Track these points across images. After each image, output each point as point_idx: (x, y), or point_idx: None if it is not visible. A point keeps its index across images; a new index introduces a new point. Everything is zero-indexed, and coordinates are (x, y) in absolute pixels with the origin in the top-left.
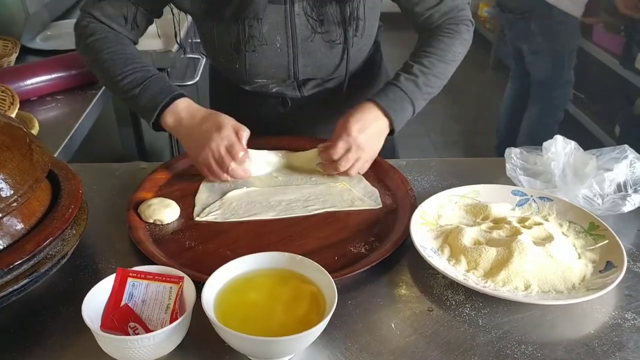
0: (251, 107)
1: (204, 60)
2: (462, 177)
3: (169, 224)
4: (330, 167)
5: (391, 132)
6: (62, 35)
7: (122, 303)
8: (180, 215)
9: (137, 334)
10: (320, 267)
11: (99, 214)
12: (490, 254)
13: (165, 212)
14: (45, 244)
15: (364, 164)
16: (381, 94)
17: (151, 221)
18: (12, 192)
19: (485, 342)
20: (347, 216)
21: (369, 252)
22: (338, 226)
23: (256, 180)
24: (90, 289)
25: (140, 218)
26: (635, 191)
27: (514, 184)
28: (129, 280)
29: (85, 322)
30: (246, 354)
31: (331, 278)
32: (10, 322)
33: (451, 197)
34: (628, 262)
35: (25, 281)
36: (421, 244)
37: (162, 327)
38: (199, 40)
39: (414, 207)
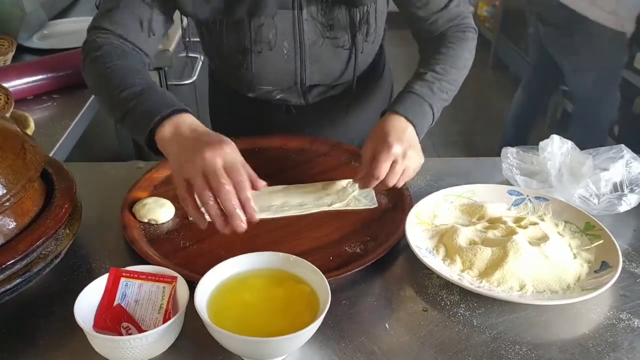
0: (252, 113)
1: (202, 60)
2: (459, 176)
3: (163, 223)
4: (378, 185)
5: None
6: (59, 34)
7: (115, 303)
8: (175, 215)
9: (130, 334)
10: (314, 267)
11: (94, 213)
12: (485, 254)
13: (160, 211)
14: (38, 243)
15: (412, 173)
16: (398, 104)
17: (146, 221)
18: (4, 191)
19: (479, 342)
20: (343, 216)
21: (364, 252)
22: (333, 226)
23: None
24: (83, 288)
25: (135, 217)
26: (632, 191)
27: (510, 184)
28: (122, 280)
29: (77, 322)
30: (239, 354)
31: (324, 278)
32: (3, 322)
33: (447, 197)
34: (623, 262)
35: (18, 281)
36: (416, 244)
37: (155, 327)
38: (197, 40)
39: (409, 207)
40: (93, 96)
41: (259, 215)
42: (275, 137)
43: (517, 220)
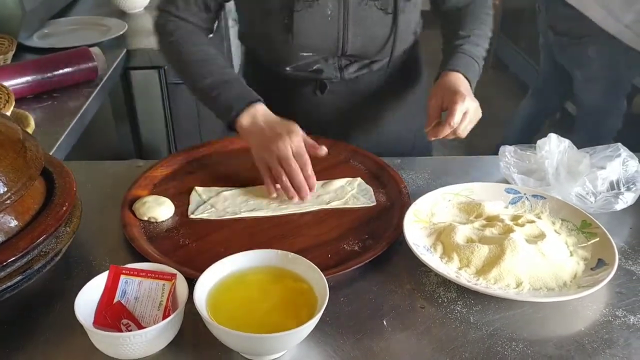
0: (284, 92)
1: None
2: (457, 175)
3: (163, 221)
4: (449, 134)
5: None
6: (59, 33)
7: (115, 300)
8: (174, 213)
9: (130, 330)
10: (312, 264)
11: (94, 211)
12: (482, 251)
13: (159, 209)
14: (39, 241)
15: (474, 123)
16: (456, 63)
17: (145, 219)
18: (5, 189)
19: (476, 339)
20: (341, 214)
21: (362, 250)
22: (332, 224)
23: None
24: (83, 286)
25: (135, 215)
26: (628, 189)
27: (507, 182)
28: (122, 277)
29: (78, 318)
30: (238, 350)
31: (322, 275)
32: (4, 318)
33: (445, 195)
34: (620, 259)
35: (18, 278)
36: (414, 242)
37: (154, 324)
38: None
39: (408, 205)
40: (93, 95)
41: (259, 213)
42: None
43: (515, 218)
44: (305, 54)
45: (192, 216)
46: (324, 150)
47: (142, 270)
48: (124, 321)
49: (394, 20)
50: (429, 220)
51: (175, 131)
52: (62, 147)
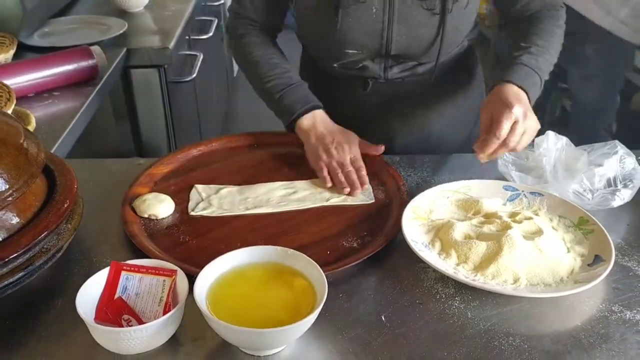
0: (333, 89)
1: (202, 57)
2: (455, 172)
3: (163, 218)
4: (498, 148)
5: None
6: (60, 32)
7: (116, 296)
8: (174, 210)
9: (131, 326)
10: (311, 260)
11: (94, 208)
12: (480, 248)
13: (160, 207)
14: (40, 237)
15: (531, 136)
16: (510, 74)
17: (146, 216)
18: (7, 186)
19: (473, 334)
20: (340, 211)
21: (361, 247)
22: (331, 221)
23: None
24: (84, 282)
25: (135, 213)
26: (625, 186)
27: (505, 180)
28: (123, 273)
29: (79, 314)
30: (238, 345)
31: (321, 271)
32: (6, 314)
33: (443, 192)
34: (616, 256)
35: (20, 274)
36: (412, 238)
37: (155, 320)
38: (197, 37)
39: (406, 202)
40: (93, 94)
41: (259, 210)
42: (278, 133)
43: (512, 215)
44: (350, 51)
45: (192, 213)
46: (380, 149)
47: (143, 267)
48: (125, 317)
49: (441, 21)
50: (428, 217)
51: (176, 130)
52: (62, 145)
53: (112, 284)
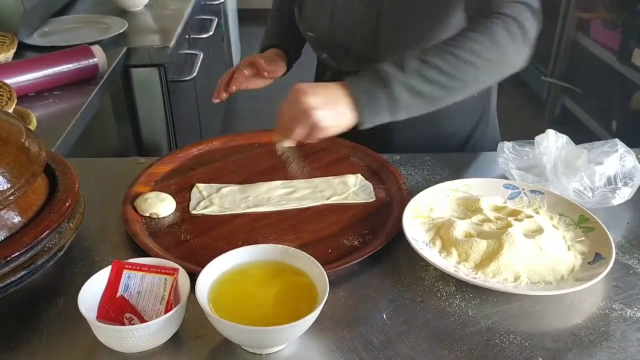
0: (318, 76)
1: (202, 56)
2: (455, 171)
3: (164, 217)
4: (283, 139)
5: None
6: (60, 31)
7: (118, 294)
8: (176, 209)
9: (133, 324)
10: (313, 258)
11: (96, 207)
12: (480, 246)
13: (161, 205)
14: (42, 236)
15: (318, 131)
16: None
17: (147, 215)
18: (9, 185)
19: (474, 332)
20: (341, 210)
21: (362, 245)
22: (332, 219)
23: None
24: (86, 280)
25: (137, 212)
26: (625, 184)
27: (506, 178)
28: (125, 271)
29: (81, 312)
30: (239, 343)
31: (323, 269)
32: (8, 313)
33: (443, 191)
34: (617, 254)
35: (22, 273)
36: (413, 237)
37: (157, 318)
38: (197, 36)
39: (407, 201)
40: (94, 93)
41: (259, 209)
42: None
43: (513, 213)
44: (310, 34)
45: (193, 212)
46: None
47: (145, 265)
48: (127, 315)
49: (378, 18)
50: (428, 215)
51: (176, 129)
52: (63, 144)
53: (114, 282)
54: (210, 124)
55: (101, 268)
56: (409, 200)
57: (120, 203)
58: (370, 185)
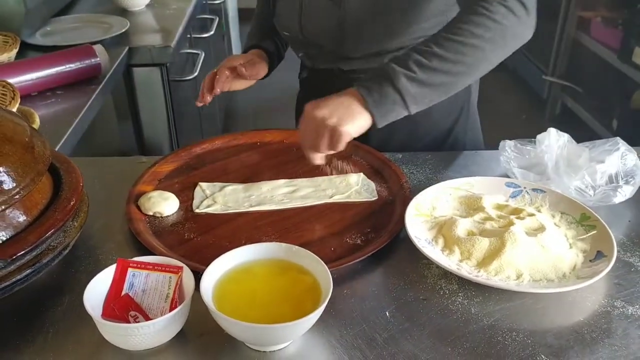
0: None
1: (203, 56)
2: (457, 169)
3: (168, 216)
4: (313, 157)
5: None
6: (62, 31)
7: (123, 292)
8: (179, 208)
9: (138, 322)
10: (316, 257)
11: (100, 206)
12: (483, 244)
13: (164, 204)
14: (47, 235)
15: (339, 136)
16: (367, 84)
17: (151, 214)
18: (14, 184)
19: (477, 329)
20: (344, 208)
21: (365, 243)
22: (335, 218)
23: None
24: (91, 279)
25: (140, 211)
26: (627, 182)
27: (508, 176)
28: (130, 270)
29: (87, 310)
30: (244, 341)
31: (327, 268)
32: (14, 311)
33: (445, 189)
34: (618, 251)
35: (28, 271)
36: (416, 235)
37: (162, 316)
38: (198, 36)
39: (409, 199)
40: (96, 92)
41: (263, 207)
42: (277, 131)
43: (515, 211)
44: (285, 33)
45: (197, 211)
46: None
47: (149, 263)
48: (132, 313)
49: (341, 11)
50: (430, 213)
51: (178, 128)
52: (66, 143)
53: (119, 280)
54: (211, 123)
55: (105, 266)
56: (411, 199)
57: (123, 202)
58: (372, 183)
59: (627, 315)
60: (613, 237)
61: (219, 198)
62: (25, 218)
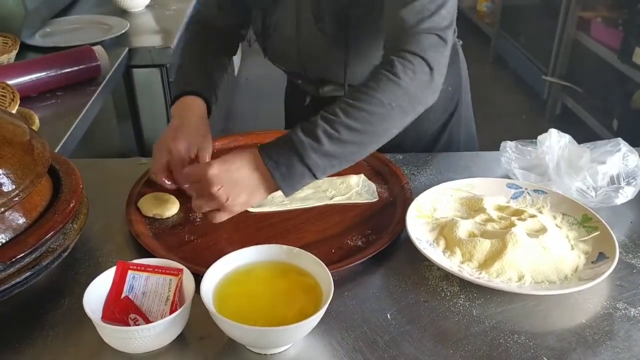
0: (290, 95)
1: None
2: (458, 170)
3: (168, 218)
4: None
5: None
6: (62, 32)
7: (123, 295)
8: (179, 210)
9: (138, 325)
10: (317, 259)
11: (99, 208)
12: (484, 245)
13: (164, 206)
14: (47, 237)
15: (226, 211)
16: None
17: (150, 215)
18: (14, 186)
19: (479, 331)
20: (345, 209)
21: (366, 245)
22: (335, 219)
23: None
24: (91, 281)
25: (140, 212)
26: (628, 184)
27: (509, 178)
28: (130, 272)
29: (86, 313)
30: (244, 344)
31: (328, 270)
32: (13, 313)
33: (446, 190)
34: (620, 253)
35: (27, 274)
36: (417, 237)
37: (162, 319)
38: None
39: (410, 201)
40: (96, 94)
41: (263, 209)
42: (277, 132)
43: (516, 212)
44: (280, 67)
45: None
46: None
47: (149, 266)
48: (132, 316)
49: (347, 53)
50: (432, 215)
51: None
52: (66, 145)
53: (118, 283)
54: (211, 124)
55: (105, 269)
56: (412, 200)
57: (123, 204)
58: (373, 185)
59: (629, 317)
60: (615, 238)
61: None
62: (24, 220)
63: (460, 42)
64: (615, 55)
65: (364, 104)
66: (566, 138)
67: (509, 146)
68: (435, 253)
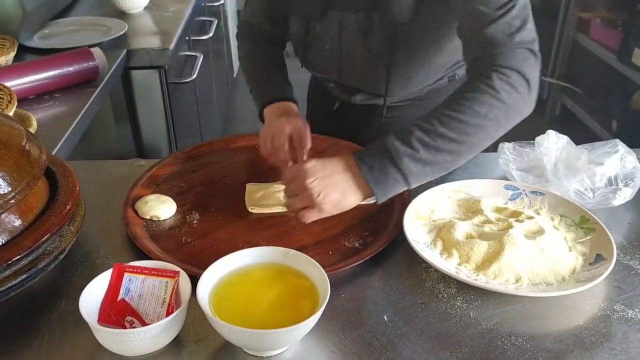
0: (316, 98)
1: (202, 58)
2: (456, 172)
3: (165, 220)
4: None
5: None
6: (60, 33)
7: (119, 297)
8: (176, 212)
9: (134, 327)
10: (314, 261)
11: (96, 210)
12: (481, 247)
13: (161, 208)
14: (43, 240)
15: (316, 209)
16: (367, 154)
17: (148, 217)
18: (10, 189)
19: (476, 333)
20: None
21: (363, 247)
22: (332, 221)
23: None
24: (87, 284)
25: (137, 214)
26: (626, 185)
27: (506, 179)
28: (126, 275)
29: (82, 316)
30: (241, 346)
31: (324, 272)
32: (9, 316)
33: (444, 192)
34: (618, 254)
35: (23, 276)
36: (414, 238)
37: (158, 321)
38: (197, 38)
39: (407, 202)
40: (94, 95)
41: (260, 211)
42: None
43: (514, 214)
44: (318, 74)
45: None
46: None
47: (146, 268)
48: (128, 318)
49: (389, 71)
50: (429, 216)
51: (176, 130)
52: (63, 147)
53: (115, 285)
54: (210, 125)
55: (102, 271)
56: (409, 202)
57: (120, 206)
58: None
59: (626, 319)
60: (612, 240)
61: None
62: (20, 222)
63: None
64: (615, 56)
65: (461, 115)
66: (564, 139)
67: (506, 147)
68: (432, 255)
